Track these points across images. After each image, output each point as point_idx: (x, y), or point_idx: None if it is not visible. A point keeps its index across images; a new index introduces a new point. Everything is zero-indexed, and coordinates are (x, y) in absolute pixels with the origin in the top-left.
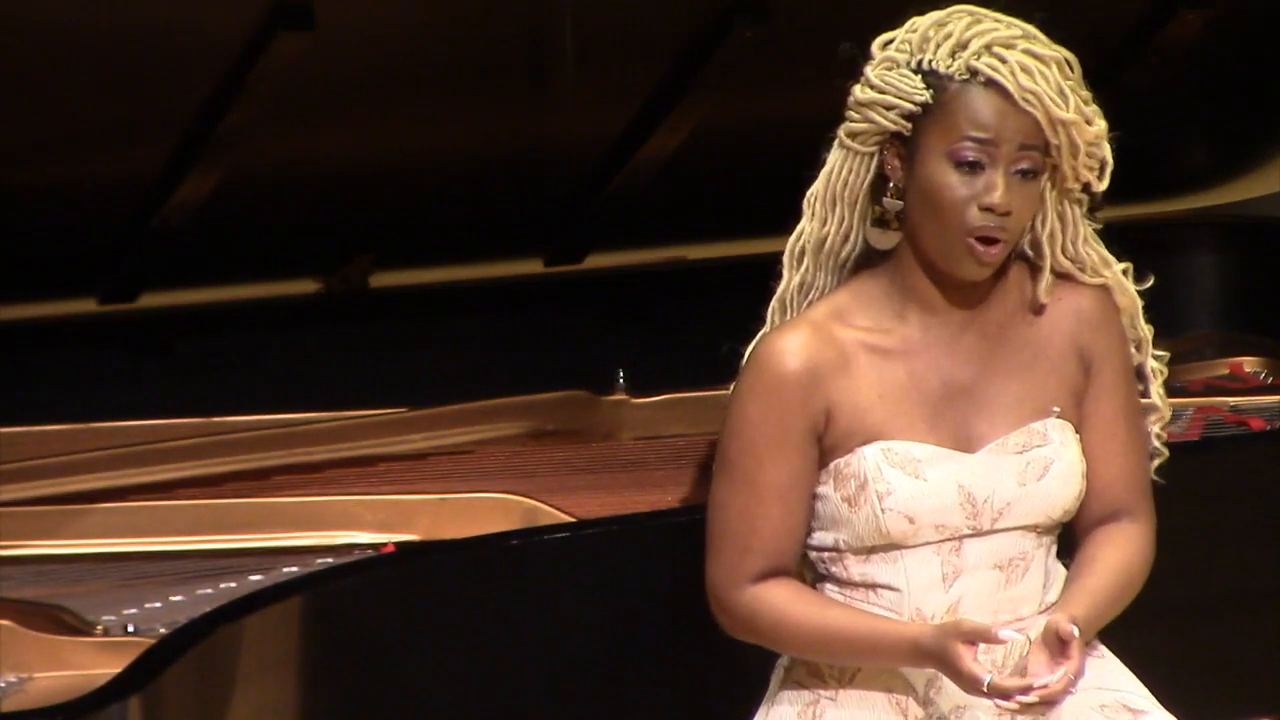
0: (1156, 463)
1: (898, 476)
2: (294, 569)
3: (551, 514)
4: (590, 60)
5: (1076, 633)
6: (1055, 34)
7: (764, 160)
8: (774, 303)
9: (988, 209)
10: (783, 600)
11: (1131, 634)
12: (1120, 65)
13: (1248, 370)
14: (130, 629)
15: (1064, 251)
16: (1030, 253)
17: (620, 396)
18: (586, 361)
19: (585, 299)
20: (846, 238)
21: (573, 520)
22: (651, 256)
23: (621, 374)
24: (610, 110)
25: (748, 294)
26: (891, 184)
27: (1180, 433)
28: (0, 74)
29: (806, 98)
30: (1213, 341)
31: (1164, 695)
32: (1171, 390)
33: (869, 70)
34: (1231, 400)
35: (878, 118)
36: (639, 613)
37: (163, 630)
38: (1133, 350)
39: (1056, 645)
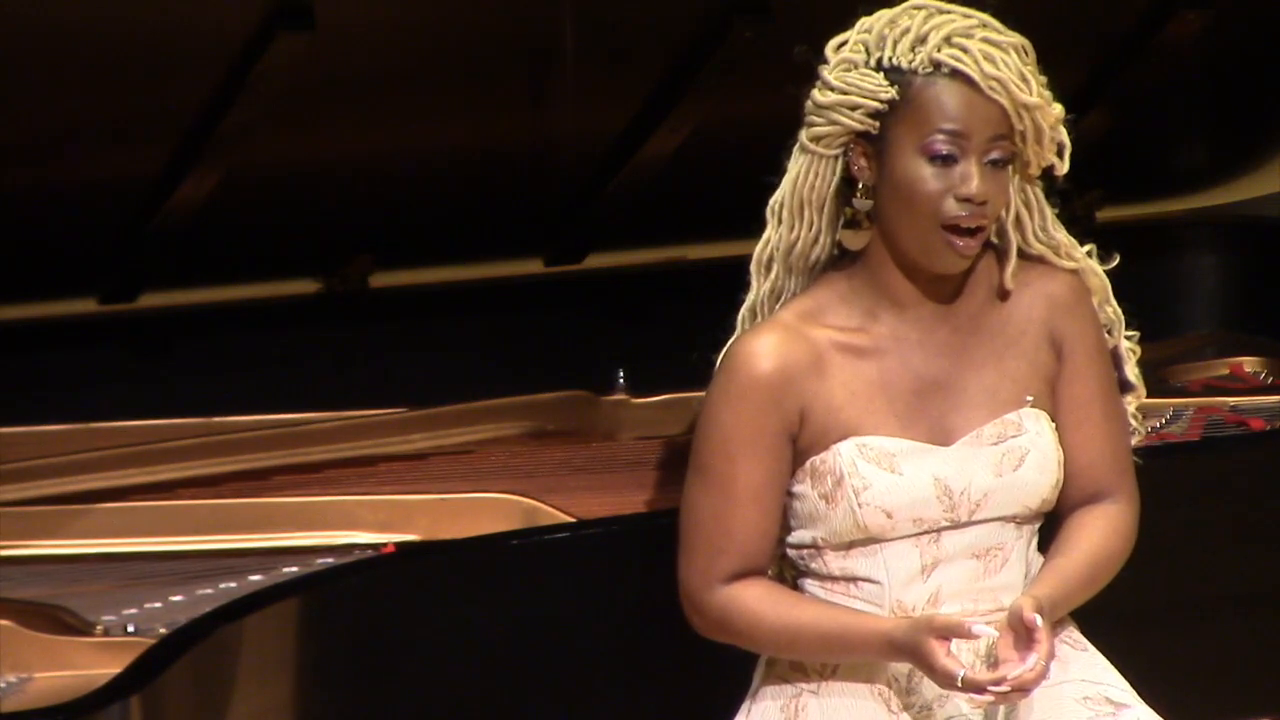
0: (1134, 441)
1: (873, 471)
2: (294, 569)
3: (551, 514)
4: (590, 60)
5: (1039, 621)
6: (1009, 23)
7: (765, 160)
8: (744, 311)
9: (965, 199)
10: (755, 599)
11: (1130, 634)
12: (1120, 65)
13: (1248, 370)
14: (130, 629)
15: (1036, 236)
16: (996, 241)
17: (620, 396)
18: (586, 361)
19: (585, 299)
20: (816, 240)
21: (573, 520)
22: (651, 256)
23: (621, 374)
24: (610, 110)
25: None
26: (860, 184)
27: (1180, 433)
28: (0, 74)
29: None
30: (1213, 341)
31: (1163, 695)
32: (1171, 390)
33: (826, 73)
34: (1231, 400)
35: (843, 119)
36: (639, 613)
37: (163, 630)
38: (1105, 334)
39: (1022, 630)
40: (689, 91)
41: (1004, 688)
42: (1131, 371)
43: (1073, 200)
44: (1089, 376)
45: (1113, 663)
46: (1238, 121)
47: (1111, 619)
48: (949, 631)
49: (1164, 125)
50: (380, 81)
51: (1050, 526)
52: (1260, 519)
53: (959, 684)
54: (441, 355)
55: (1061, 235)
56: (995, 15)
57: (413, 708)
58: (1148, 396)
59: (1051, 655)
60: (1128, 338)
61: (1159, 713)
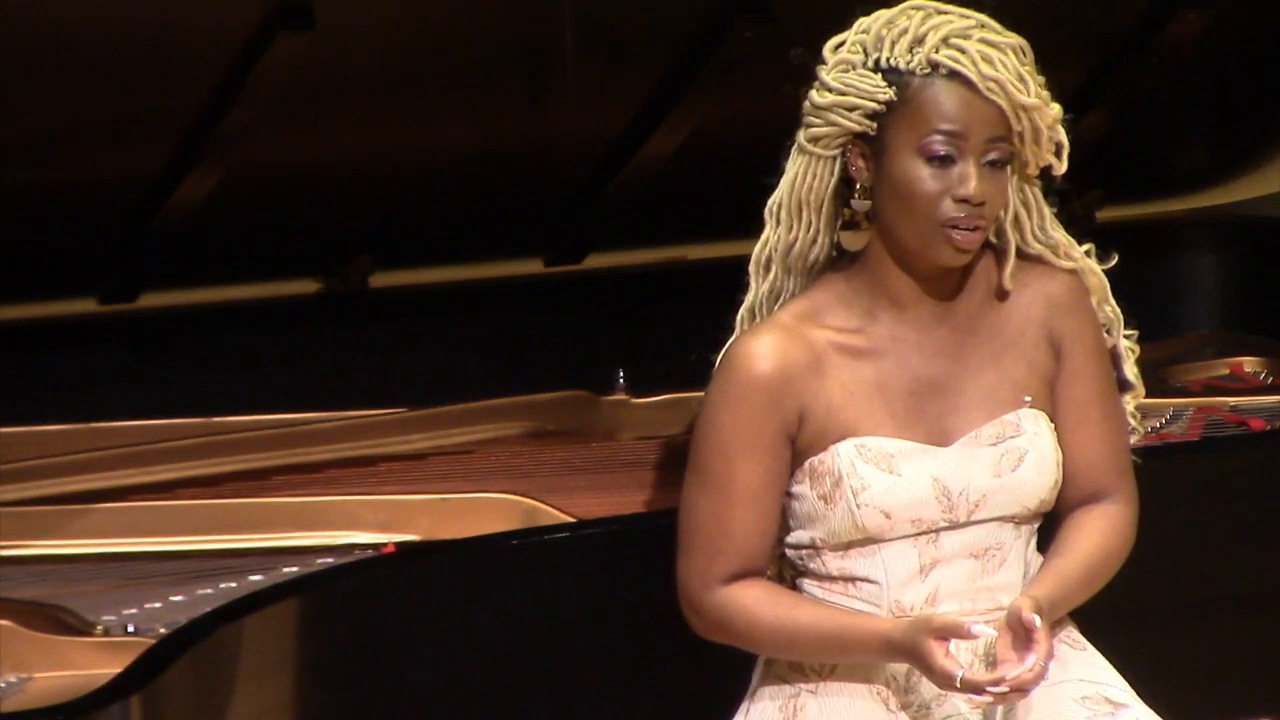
0: (1133, 440)
1: (872, 472)
2: (294, 569)
3: (551, 514)
4: (590, 60)
5: (1038, 621)
6: (1008, 23)
7: (765, 160)
8: (743, 311)
9: (963, 200)
10: (753, 600)
11: (1130, 634)
12: (1120, 65)
13: (1248, 370)
14: (130, 629)
15: (1035, 236)
16: (995, 240)
17: (620, 396)
18: (586, 361)
19: (585, 299)
20: (814, 241)
21: (573, 520)
22: (651, 256)
23: (621, 374)
24: (610, 110)
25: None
26: (858, 185)
27: (1180, 433)
28: (0, 74)
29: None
30: (1213, 341)
31: (1163, 695)
32: (1171, 390)
33: (824, 74)
34: (1231, 400)
35: (840, 120)
36: (639, 613)
37: (163, 630)
38: (1104, 334)
39: (1021, 630)
40: (689, 91)
41: (1002, 688)
42: (1130, 370)
43: (1071, 200)
44: (1088, 376)
45: (1113, 663)
46: (1238, 121)
47: (1111, 619)
48: (947, 632)
49: (1164, 125)
50: (380, 81)
51: (1049, 527)
52: (1260, 519)
53: (957, 684)
54: (441, 355)
55: (1060, 235)
56: (993, 16)
57: (413, 708)
58: (1148, 396)
59: (1050, 655)
60: (1126, 337)
61: (1159, 713)
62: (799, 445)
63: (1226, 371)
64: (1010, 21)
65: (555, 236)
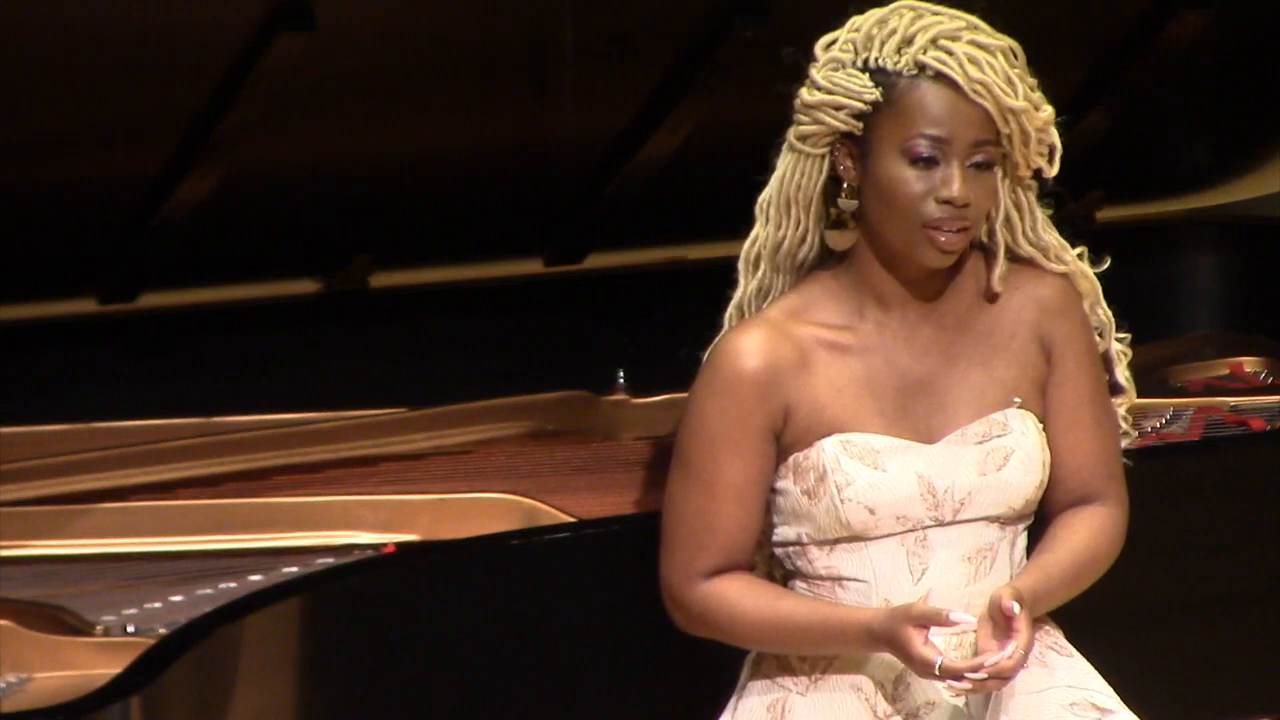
0: (1125, 443)
1: (857, 468)
2: (294, 569)
3: (551, 514)
4: (590, 60)
5: (1018, 609)
6: (1001, 25)
7: (764, 160)
8: (731, 309)
9: (946, 201)
10: (735, 593)
11: (1130, 634)
12: (1120, 65)
13: (1248, 370)
14: (130, 629)
15: (1026, 239)
16: (986, 241)
17: (620, 396)
18: (586, 361)
19: (585, 299)
20: (803, 239)
21: (573, 520)
22: (651, 256)
23: (621, 374)
24: (610, 110)
25: None
26: (845, 184)
27: (1180, 433)
28: (0, 73)
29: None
30: (1213, 341)
31: (1162, 694)
32: (1171, 390)
33: (814, 72)
34: (1231, 400)
35: (827, 119)
36: (638, 612)
37: (163, 630)
38: (1096, 337)
39: (1002, 619)
40: (689, 91)
41: (981, 674)
42: (1122, 374)
43: (1066, 203)
44: (1079, 380)
45: (1111, 663)
46: (1238, 121)
47: (1111, 619)
48: (927, 620)
49: (1164, 125)
50: (380, 81)
51: (1037, 534)
52: (1260, 519)
53: (936, 671)
54: (441, 355)
55: (1051, 238)
56: (993, 16)
57: (413, 708)
58: (1147, 397)
59: (1030, 645)
60: (1118, 340)
61: (1160, 713)
62: (784, 441)
63: (1226, 371)
64: (1010, 22)
65: (555, 236)
